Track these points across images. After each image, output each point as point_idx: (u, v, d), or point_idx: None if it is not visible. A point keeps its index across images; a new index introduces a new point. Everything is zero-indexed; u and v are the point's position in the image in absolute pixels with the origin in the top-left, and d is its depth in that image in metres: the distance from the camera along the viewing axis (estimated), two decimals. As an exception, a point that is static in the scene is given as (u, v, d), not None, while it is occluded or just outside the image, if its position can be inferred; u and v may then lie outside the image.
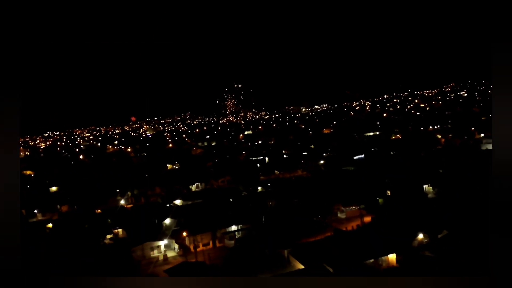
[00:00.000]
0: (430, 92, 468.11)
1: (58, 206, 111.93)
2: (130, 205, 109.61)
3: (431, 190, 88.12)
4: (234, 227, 75.88)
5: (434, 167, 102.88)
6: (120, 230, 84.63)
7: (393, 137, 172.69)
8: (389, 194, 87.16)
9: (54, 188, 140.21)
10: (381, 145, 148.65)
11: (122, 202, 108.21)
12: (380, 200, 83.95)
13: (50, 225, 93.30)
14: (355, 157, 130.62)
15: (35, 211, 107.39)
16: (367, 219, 75.24)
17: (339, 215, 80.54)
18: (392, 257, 55.40)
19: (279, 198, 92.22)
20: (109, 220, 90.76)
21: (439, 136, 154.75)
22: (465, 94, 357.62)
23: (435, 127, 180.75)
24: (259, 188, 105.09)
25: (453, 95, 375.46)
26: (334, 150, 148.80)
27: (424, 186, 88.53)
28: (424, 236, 59.44)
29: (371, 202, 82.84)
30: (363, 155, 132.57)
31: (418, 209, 73.10)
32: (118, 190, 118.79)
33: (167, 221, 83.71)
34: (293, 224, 74.38)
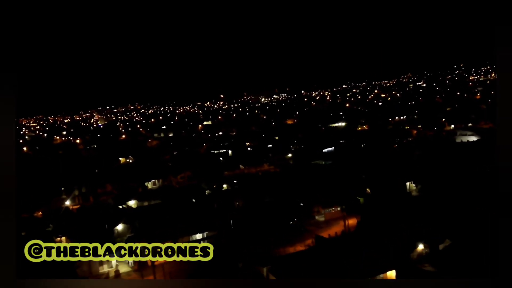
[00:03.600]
0: (388, 82, 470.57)
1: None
2: (77, 206, 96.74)
3: (414, 187, 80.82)
4: (198, 235, 65.37)
5: (412, 161, 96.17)
6: (63, 238, 72.39)
7: (360, 128, 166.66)
8: (369, 192, 79.25)
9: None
10: (349, 137, 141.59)
11: (67, 202, 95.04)
12: (361, 200, 75.83)
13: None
14: (324, 150, 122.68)
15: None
16: (350, 222, 66.74)
17: (317, 217, 71.71)
18: (391, 274, 46.76)
19: (248, 197, 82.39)
20: (50, 226, 78.13)
21: (407, 127, 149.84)
22: (424, 85, 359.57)
23: (402, 117, 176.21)
24: (224, 185, 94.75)
25: (411, 85, 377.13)
26: (300, 143, 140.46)
27: (406, 183, 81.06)
28: (424, 246, 51.24)
29: (351, 202, 74.50)
30: (332, 148, 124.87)
31: (406, 210, 65.20)
32: (63, 188, 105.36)
33: (120, 226, 72.00)
34: (267, 230, 65.11)
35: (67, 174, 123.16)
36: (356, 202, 74.62)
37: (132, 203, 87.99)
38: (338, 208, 72.18)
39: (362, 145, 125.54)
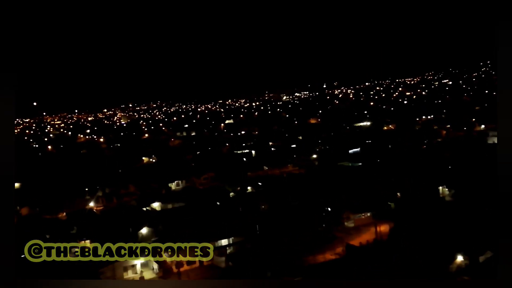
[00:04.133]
0: (412, 80, 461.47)
1: (18, 208, 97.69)
2: (100, 207, 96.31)
3: (447, 192, 77.43)
4: (224, 241, 63.54)
5: (443, 163, 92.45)
6: (87, 241, 71.52)
7: (386, 128, 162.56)
8: (400, 197, 76.14)
9: (16, 185, 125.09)
10: (375, 137, 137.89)
11: (91, 204, 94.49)
12: (392, 205, 72.89)
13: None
14: (350, 151, 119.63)
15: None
16: (381, 229, 63.97)
17: (346, 224, 69.10)
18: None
19: (273, 200, 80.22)
20: (74, 228, 77.46)
21: (436, 127, 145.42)
22: (450, 82, 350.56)
23: (429, 117, 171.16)
24: (249, 187, 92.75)
25: (436, 83, 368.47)
26: (325, 143, 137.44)
27: (439, 187, 77.63)
28: (464, 258, 48.32)
29: (382, 207, 71.66)
30: (358, 149, 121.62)
31: (440, 217, 62.08)
32: (86, 189, 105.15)
33: (144, 230, 70.87)
34: (295, 236, 62.93)
35: (91, 174, 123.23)
36: (386, 207, 71.78)
37: (155, 205, 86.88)
38: (368, 214, 69.47)
39: (389, 146, 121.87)
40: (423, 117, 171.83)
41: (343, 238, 62.91)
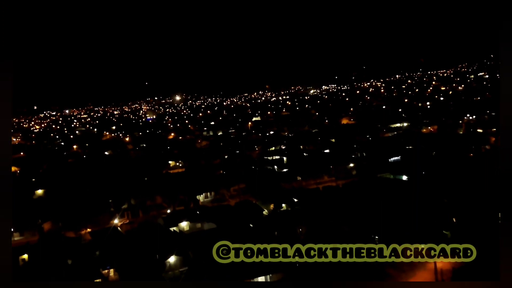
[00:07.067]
0: (444, 72, 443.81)
1: (40, 221, 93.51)
2: (125, 222, 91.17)
3: (509, 218, 68.53)
4: (261, 278, 56.76)
5: (498, 179, 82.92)
6: (111, 270, 65.96)
7: (425, 130, 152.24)
8: (455, 222, 67.89)
9: (40, 192, 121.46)
10: (415, 142, 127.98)
11: (116, 220, 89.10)
12: (448, 234, 64.68)
13: (25, 256, 74.47)
14: (390, 159, 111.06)
15: (12, 229, 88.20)
16: (441, 265, 55.94)
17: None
18: None
19: (312, 222, 72.82)
20: (97, 253, 71.96)
21: (480, 130, 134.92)
22: (486, 76, 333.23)
23: (470, 117, 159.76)
24: (283, 205, 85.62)
25: (472, 76, 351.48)
26: (361, 148, 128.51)
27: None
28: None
29: (435, 236, 63.50)
30: (399, 157, 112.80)
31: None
32: (110, 200, 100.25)
33: (172, 259, 64.65)
34: (340, 273, 55.58)
35: (116, 181, 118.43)
36: (442, 237, 63.64)
37: (184, 224, 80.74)
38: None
39: (433, 153, 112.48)
40: (465, 117, 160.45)
41: (396, 277, 55.35)
